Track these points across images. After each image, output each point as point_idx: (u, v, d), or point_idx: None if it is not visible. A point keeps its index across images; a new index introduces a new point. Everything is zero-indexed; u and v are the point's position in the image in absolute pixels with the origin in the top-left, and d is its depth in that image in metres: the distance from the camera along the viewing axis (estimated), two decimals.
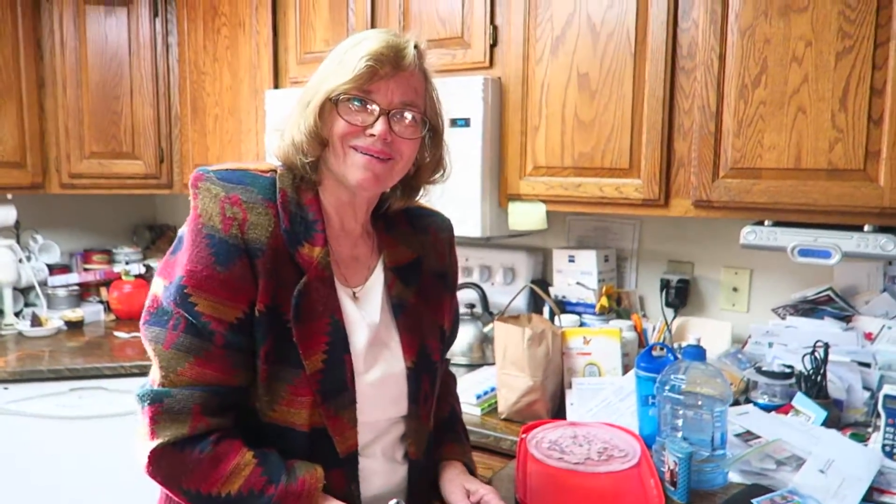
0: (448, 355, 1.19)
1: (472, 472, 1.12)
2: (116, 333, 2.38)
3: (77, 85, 2.33)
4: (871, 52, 1.35)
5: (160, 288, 0.90)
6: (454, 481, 1.06)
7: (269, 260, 0.89)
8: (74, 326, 2.44)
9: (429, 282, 1.08)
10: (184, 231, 0.91)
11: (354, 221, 1.01)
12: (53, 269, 2.58)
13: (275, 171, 0.95)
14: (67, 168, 2.37)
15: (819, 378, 1.49)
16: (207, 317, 0.86)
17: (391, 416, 1.01)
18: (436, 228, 1.13)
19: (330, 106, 0.92)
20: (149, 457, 0.86)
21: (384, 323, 1.01)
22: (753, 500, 1.09)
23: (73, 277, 2.59)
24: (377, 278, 1.02)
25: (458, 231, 1.81)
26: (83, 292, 2.62)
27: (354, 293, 0.99)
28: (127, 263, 2.66)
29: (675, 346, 1.74)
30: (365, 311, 0.99)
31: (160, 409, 0.86)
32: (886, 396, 1.32)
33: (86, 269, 2.66)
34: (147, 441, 0.86)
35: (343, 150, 0.93)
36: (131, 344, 2.27)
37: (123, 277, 2.57)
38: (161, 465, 0.86)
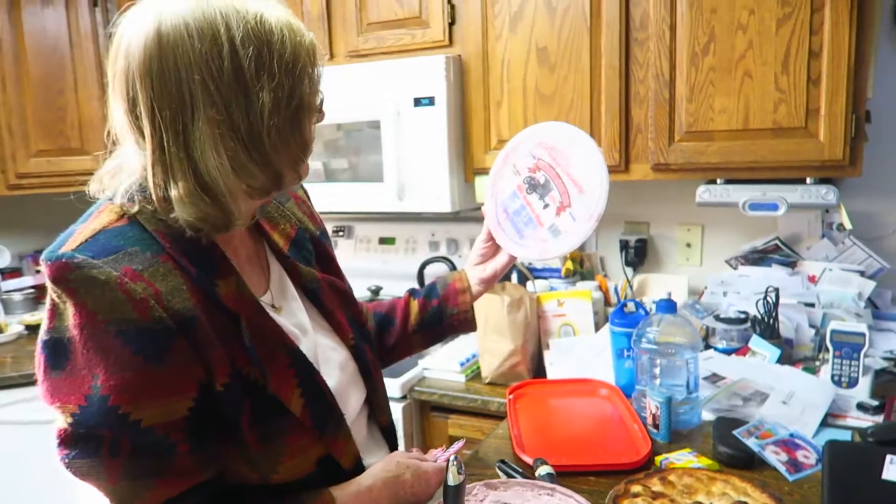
0: None
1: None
2: None
3: (17, 81, 2.24)
4: (808, 18, 1.46)
5: (65, 418, 0.70)
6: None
7: (206, 323, 0.73)
8: (35, 330, 2.37)
9: (318, 247, 0.99)
10: (63, 338, 0.69)
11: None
12: (5, 274, 2.51)
13: (123, 213, 0.76)
14: (14, 168, 2.28)
15: (772, 320, 1.63)
16: (161, 428, 0.70)
17: (360, 404, 0.96)
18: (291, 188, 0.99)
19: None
20: None
21: (311, 317, 0.92)
22: (734, 431, 1.20)
23: (27, 280, 2.53)
24: (278, 275, 0.91)
25: (428, 208, 1.88)
26: (38, 294, 2.56)
27: (273, 305, 0.87)
28: None
29: (644, 301, 1.85)
30: (292, 315, 0.89)
31: None
32: (833, 332, 1.45)
33: (38, 272, 2.59)
34: None
35: None
36: None
37: None
38: None
